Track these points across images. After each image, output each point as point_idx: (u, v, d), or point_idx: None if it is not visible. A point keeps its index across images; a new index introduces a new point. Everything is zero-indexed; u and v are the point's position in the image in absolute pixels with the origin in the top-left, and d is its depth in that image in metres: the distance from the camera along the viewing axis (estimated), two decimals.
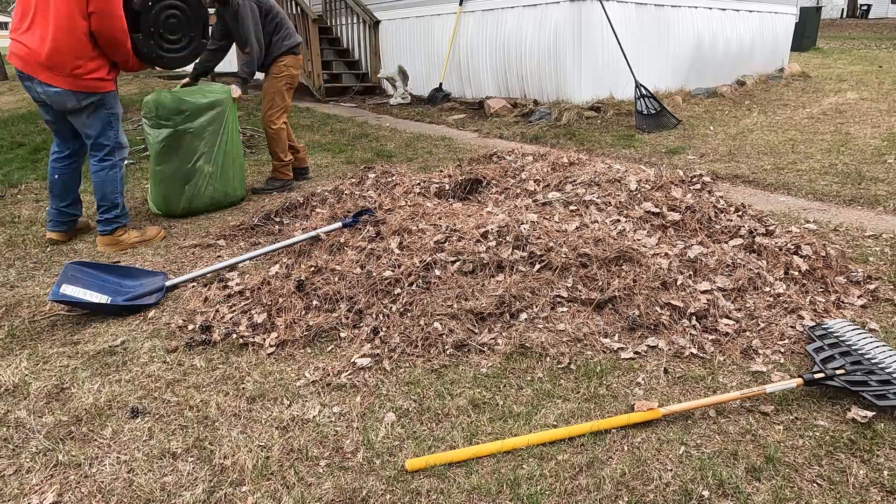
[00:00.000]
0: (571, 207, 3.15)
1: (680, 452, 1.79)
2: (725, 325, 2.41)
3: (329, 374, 2.23)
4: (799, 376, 2.03)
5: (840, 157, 5.25)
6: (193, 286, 3.03)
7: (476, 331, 2.43)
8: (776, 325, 2.43)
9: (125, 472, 1.79)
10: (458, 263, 2.70)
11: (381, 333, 2.44)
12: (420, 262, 2.72)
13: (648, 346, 2.34)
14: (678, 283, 2.57)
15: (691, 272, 2.66)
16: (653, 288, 2.54)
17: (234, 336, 2.51)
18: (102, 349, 2.48)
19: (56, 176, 3.57)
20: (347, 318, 2.54)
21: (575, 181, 3.38)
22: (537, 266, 2.68)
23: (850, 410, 1.93)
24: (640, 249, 2.72)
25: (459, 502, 1.65)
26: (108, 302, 2.73)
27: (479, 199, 3.67)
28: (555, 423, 1.94)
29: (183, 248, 3.60)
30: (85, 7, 3.13)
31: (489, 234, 2.83)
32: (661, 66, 8.30)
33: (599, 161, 3.93)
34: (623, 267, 2.66)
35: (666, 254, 2.73)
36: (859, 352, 2.14)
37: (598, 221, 2.97)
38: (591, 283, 2.63)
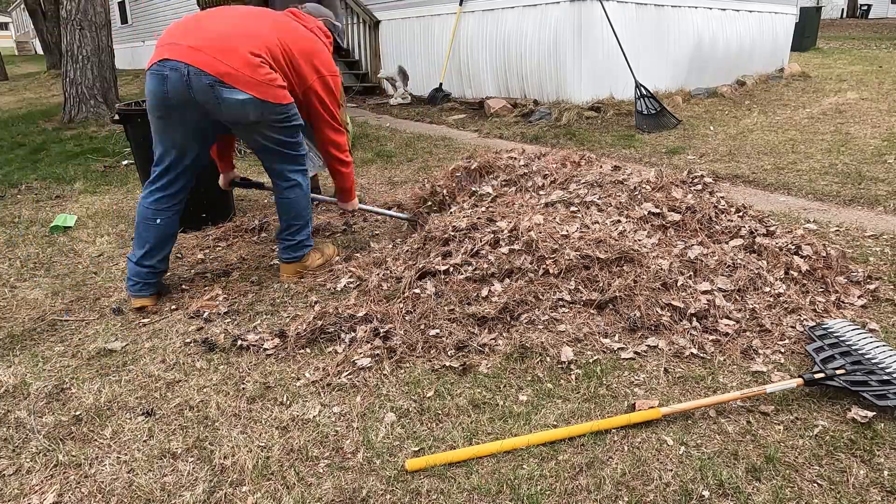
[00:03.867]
0: (573, 208, 3.14)
1: (680, 452, 1.79)
2: (726, 325, 2.41)
3: (329, 374, 2.23)
4: (799, 376, 2.03)
5: (840, 157, 5.25)
6: (193, 286, 3.03)
7: (476, 332, 2.43)
8: (776, 325, 2.43)
9: (125, 472, 1.79)
10: (467, 272, 2.66)
11: (382, 333, 2.44)
12: (416, 271, 2.71)
13: (648, 346, 2.34)
14: (678, 283, 2.57)
15: (692, 272, 2.66)
16: (653, 289, 2.54)
17: (235, 336, 2.51)
18: (102, 349, 2.48)
19: (159, 220, 2.77)
20: (349, 320, 2.53)
21: (579, 181, 3.37)
22: (541, 270, 2.66)
23: (850, 410, 1.93)
24: (640, 250, 2.72)
25: (459, 502, 1.65)
26: None
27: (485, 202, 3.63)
28: (555, 423, 1.94)
29: (184, 247, 3.60)
30: None
31: (501, 241, 2.77)
32: (661, 66, 8.30)
33: (602, 162, 3.93)
34: (624, 268, 2.65)
35: (666, 254, 2.73)
36: (859, 352, 2.14)
37: (598, 222, 2.97)
38: (592, 284, 2.62)
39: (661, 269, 2.61)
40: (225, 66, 2.48)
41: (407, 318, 2.50)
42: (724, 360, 2.25)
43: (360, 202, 3.37)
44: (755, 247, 2.90)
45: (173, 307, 2.83)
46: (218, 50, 2.49)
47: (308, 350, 2.41)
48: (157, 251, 2.77)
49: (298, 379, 2.23)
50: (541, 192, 3.37)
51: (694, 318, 2.44)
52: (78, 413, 2.06)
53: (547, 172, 3.47)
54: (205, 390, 2.17)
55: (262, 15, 2.74)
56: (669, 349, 2.31)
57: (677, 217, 3.06)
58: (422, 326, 2.44)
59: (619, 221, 2.97)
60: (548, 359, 2.28)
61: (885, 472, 1.69)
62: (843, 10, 32.71)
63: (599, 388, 2.11)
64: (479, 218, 2.97)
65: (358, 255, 3.31)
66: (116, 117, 3.67)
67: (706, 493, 1.64)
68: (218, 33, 2.55)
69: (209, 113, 2.58)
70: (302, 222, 3.00)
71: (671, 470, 1.73)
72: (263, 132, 2.70)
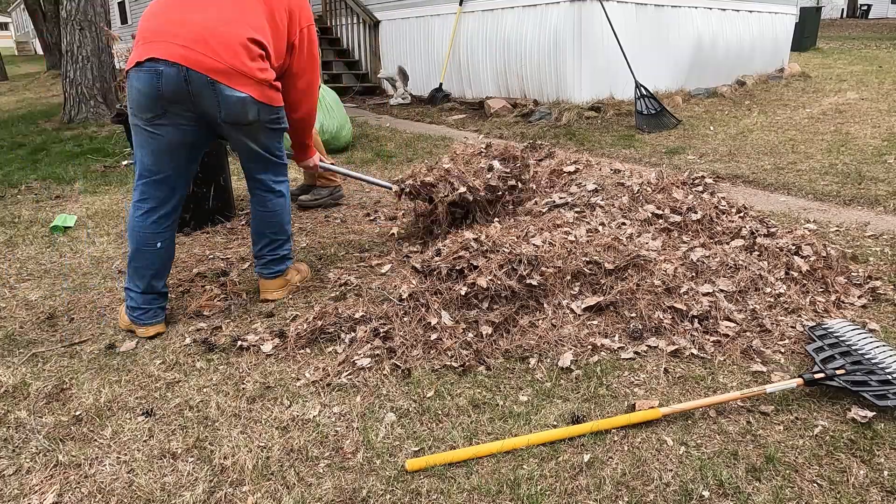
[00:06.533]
0: (577, 209, 3.13)
1: (680, 452, 1.79)
2: (727, 326, 2.41)
3: (329, 374, 2.23)
4: (799, 376, 2.03)
5: (840, 157, 5.25)
6: (193, 286, 3.03)
7: (477, 332, 2.42)
8: (777, 325, 2.43)
9: (125, 473, 1.79)
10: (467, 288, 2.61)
11: (382, 333, 2.44)
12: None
13: (648, 346, 2.34)
14: (682, 290, 2.56)
15: (693, 274, 2.66)
16: (656, 293, 2.53)
17: (235, 336, 2.50)
18: (102, 349, 2.47)
19: (160, 244, 2.52)
20: (349, 321, 2.53)
21: (581, 185, 3.35)
22: (545, 276, 2.63)
23: (850, 410, 1.93)
24: (643, 254, 2.71)
25: (459, 502, 1.65)
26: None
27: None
28: (555, 423, 1.94)
29: (185, 247, 3.60)
30: None
31: (519, 263, 2.68)
32: (661, 66, 8.30)
33: (605, 163, 3.92)
34: (628, 271, 2.65)
35: (669, 257, 2.72)
36: (859, 352, 2.14)
37: (604, 223, 2.96)
38: (595, 287, 2.61)
39: (666, 273, 2.60)
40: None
41: (405, 318, 2.50)
42: (724, 360, 2.25)
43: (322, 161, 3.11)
44: (756, 247, 2.90)
45: (173, 307, 2.83)
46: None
47: (308, 350, 2.41)
48: (162, 274, 2.56)
49: (298, 379, 2.23)
50: (541, 200, 3.36)
51: (696, 320, 2.43)
52: (78, 413, 2.06)
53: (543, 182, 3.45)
54: (205, 390, 2.17)
55: None
56: (669, 349, 2.31)
57: (678, 219, 3.06)
58: (422, 326, 2.44)
59: (623, 224, 2.96)
60: (548, 359, 2.28)
61: (885, 472, 1.69)
62: (843, 10, 32.72)
63: (599, 388, 2.11)
64: (482, 239, 2.87)
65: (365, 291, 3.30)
66: (117, 117, 3.67)
67: (706, 493, 1.64)
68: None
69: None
70: (285, 236, 2.82)
71: (671, 470, 1.73)
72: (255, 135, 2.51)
